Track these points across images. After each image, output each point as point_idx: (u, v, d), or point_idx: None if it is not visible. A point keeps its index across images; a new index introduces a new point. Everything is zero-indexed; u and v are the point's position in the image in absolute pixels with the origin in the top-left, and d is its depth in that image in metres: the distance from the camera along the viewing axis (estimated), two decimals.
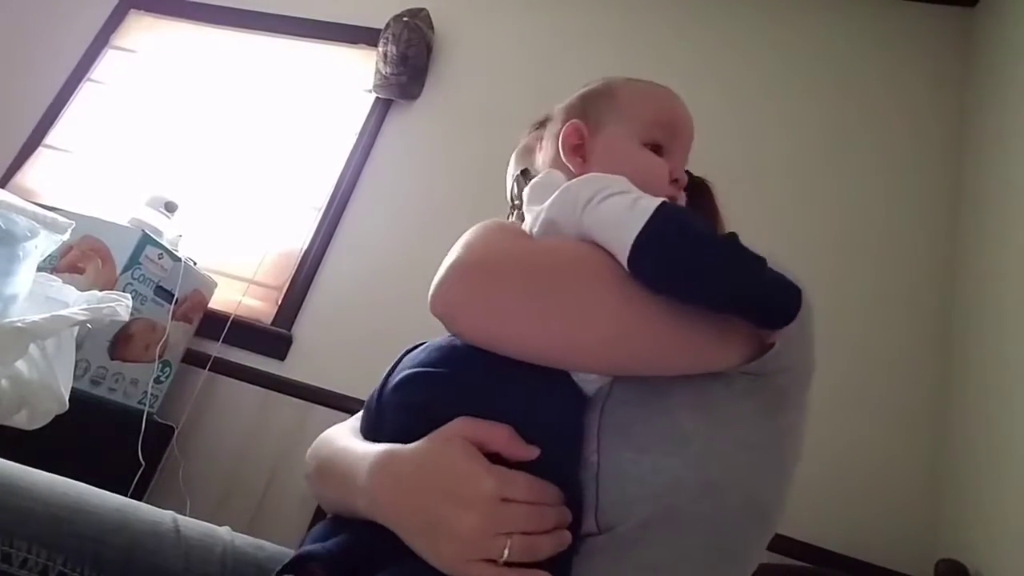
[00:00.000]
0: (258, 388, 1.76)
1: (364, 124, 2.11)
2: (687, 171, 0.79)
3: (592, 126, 0.69)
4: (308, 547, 0.53)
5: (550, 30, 2.15)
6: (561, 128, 0.70)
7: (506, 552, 0.46)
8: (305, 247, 1.96)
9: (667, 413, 0.54)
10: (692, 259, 0.49)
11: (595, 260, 0.53)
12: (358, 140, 2.08)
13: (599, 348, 0.53)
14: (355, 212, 1.99)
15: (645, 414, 0.55)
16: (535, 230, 0.61)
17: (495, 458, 0.50)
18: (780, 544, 1.40)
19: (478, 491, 0.47)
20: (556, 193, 0.59)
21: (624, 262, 0.51)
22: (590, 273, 0.53)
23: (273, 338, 1.83)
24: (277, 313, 1.89)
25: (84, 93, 2.36)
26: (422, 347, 0.60)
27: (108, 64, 2.41)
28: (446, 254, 0.58)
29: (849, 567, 1.38)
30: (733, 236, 0.51)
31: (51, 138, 2.29)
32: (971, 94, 1.76)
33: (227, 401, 1.77)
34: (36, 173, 2.23)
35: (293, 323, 1.86)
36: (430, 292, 0.54)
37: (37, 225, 1.06)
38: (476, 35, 2.19)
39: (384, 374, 0.60)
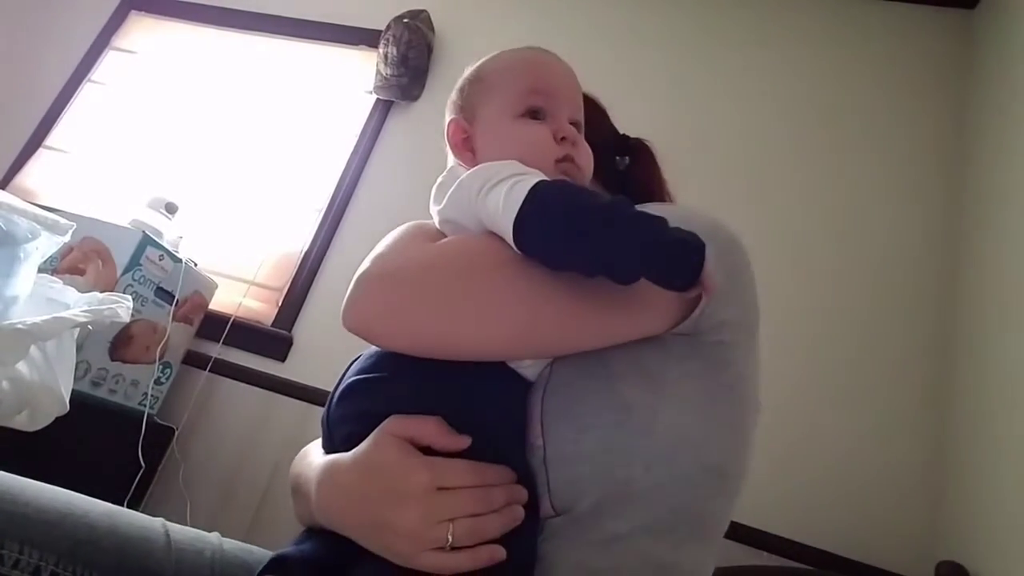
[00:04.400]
0: (258, 389, 1.76)
1: (364, 125, 2.11)
2: (624, 134, 0.79)
3: (471, 116, 0.68)
4: (283, 550, 0.54)
5: (550, 31, 2.15)
6: (445, 128, 0.70)
7: (450, 537, 0.47)
8: (306, 248, 1.96)
9: (608, 386, 0.55)
10: (571, 230, 0.49)
11: (493, 251, 0.54)
12: (358, 141, 2.08)
13: (512, 337, 0.53)
14: (356, 213, 1.99)
15: (586, 391, 0.55)
16: (442, 230, 0.62)
17: (439, 452, 0.51)
18: (780, 546, 1.40)
19: (413, 484, 0.48)
20: (450, 191, 0.59)
21: (514, 246, 0.52)
22: (490, 265, 0.53)
23: (273, 339, 1.83)
24: (278, 314, 1.89)
25: (85, 94, 2.37)
26: (364, 354, 0.60)
27: (109, 65, 2.41)
28: None
29: (849, 569, 1.38)
30: (622, 200, 0.49)
31: (52, 139, 2.29)
32: (971, 96, 1.76)
33: (227, 402, 1.77)
34: (37, 174, 2.23)
35: (293, 324, 1.86)
36: (342, 308, 0.55)
37: (38, 226, 1.06)
38: (476, 36, 2.19)
39: (333, 387, 0.61)
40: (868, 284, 1.66)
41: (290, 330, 1.85)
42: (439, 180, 0.64)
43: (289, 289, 1.92)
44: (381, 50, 2.04)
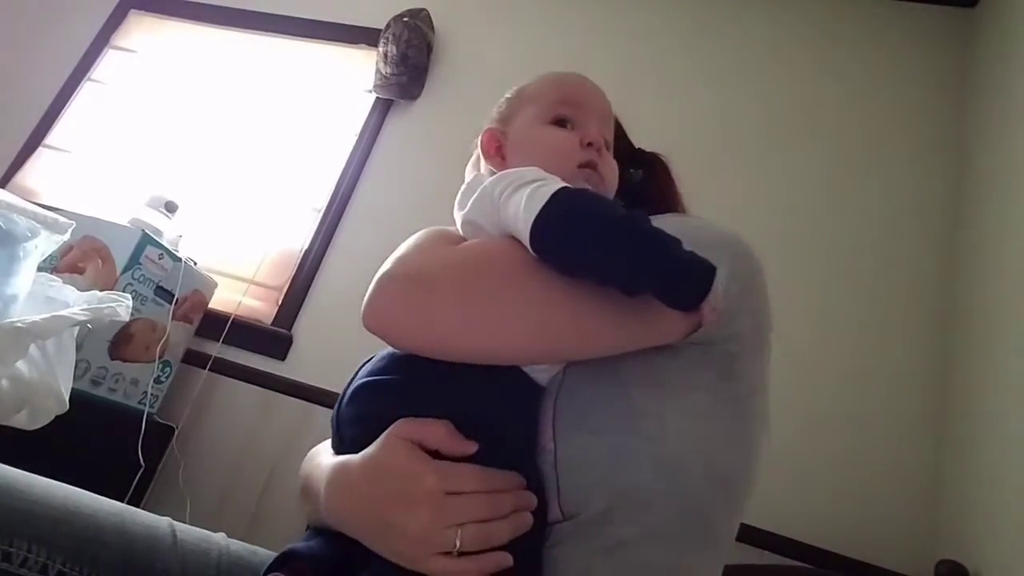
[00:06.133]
0: (258, 388, 1.76)
1: (364, 124, 2.11)
2: (640, 148, 0.81)
3: (506, 127, 0.72)
4: (292, 545, 0.55)
5: (550, 30, 2.15)
6: (480, 138, 0.73)
7: (457, 543, 0.47)
8: (305, 247, 1.96)
9: (620, 393, 0.55)
10: (586, 238, 0.50)
11: (512, 254, 0.54)
12: (358, 140, 2.08)
13: (527, 340, 0.54)
14: (355, 212, 1.99)
15: (598, 397, 0.55)
16: (463, 233, 0.63)
17: (448, 457, 0.51)
18: (780, 545, 1.40)
19: (422, 488, 0.48)
20: (475, 195, 0.60)
21: (530, 250, 0.52)
22: (508, 269, 0.54)
23: (273, 338, 1.83)
24: (277, 313, 1.89)
25: (84, 93, 2.36)
26: (376, 356, 0.61)
27: (108, 64, 2.41)
28: None
29: (849, 568, 1.38)
30: (639, 215, 0.50)
31: (51, 138, 2.29)
32: (971, 95, 1.76)
33: (227, 401, 1.76)
34: (36, 173, 2.23)
35: (293, 323, 1.86)
36: (362, 307, 0.55)
37: (37, 225, 1.06)
38: (476, 35, 2.19)
39: (344, 388, 0.61)
40: (868, 284, 1.66)
41: (290, 329, 1.85)
42: (464, 185, 0.65)
43: (289, 288, 1.92)
44: (381, 49, 2.04)
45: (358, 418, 0.57)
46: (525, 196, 0.53)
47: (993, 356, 1.34)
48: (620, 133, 0.81)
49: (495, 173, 0.64)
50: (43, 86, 2.36)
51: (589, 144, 0.67)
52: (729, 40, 2.03)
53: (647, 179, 0.78)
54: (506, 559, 0.48)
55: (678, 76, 2.01)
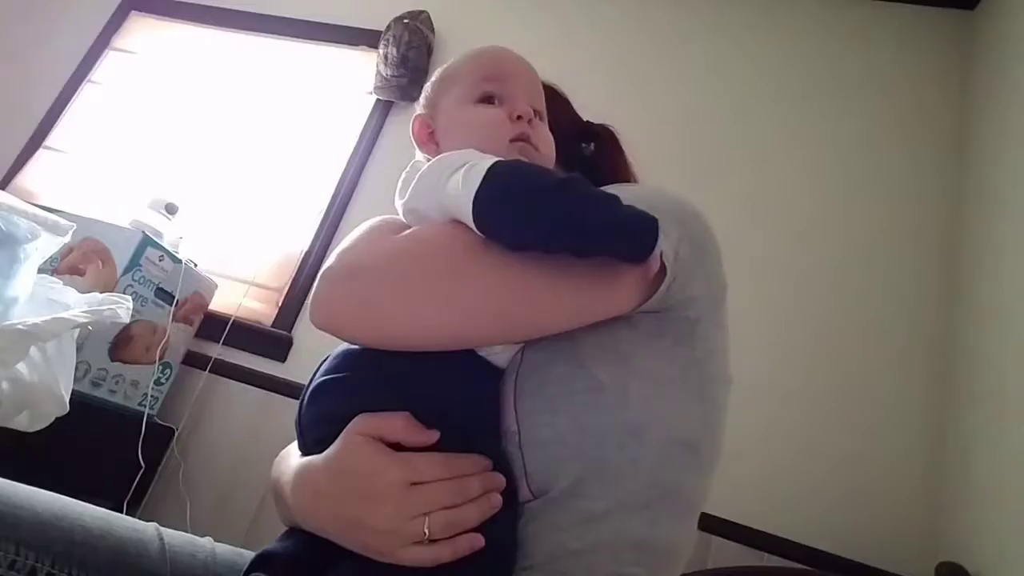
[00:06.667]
0: (259, 390, 1.76)
1: (365, 126, 2.11)
2: (588, 121, 0.80)
3: (434, 112, 0.71)
4: (268, 547, 0.55)
5: (550, 31, 2.15)
6: (410, 127, 0.72)
7: (426, 531, 0.47)
8: (306, 249, 1.96)
9: (579, 368, 0.55)
10: (528, 207, 0.49)
11: (456, 237, 0.54)
12: (359, 142, 2.08)
13: (481, 322, 0.53)
14: (356, 213, 1.99)
15: (558, 374, 0.56)
16: (407, 222, 0.62)
17: (410, 448, 0.51)
18: (780, 546, 1.40)
19: (385, 483, 0.49)
20: (412, 183, 0.60)
21: (474, 227, 0.52)
22: (454, 251, 0.53)
23: (274, 340, 1.83)
24: (278, 315, 1.89)
25: (85, 95, 2.36)
26: (331, 354, 0.60)
27: (109, 66, 2.41)
28: None
29: (849, 570, 1.38)
30: (576, 178, 0.50)
31: (52, 140, 2.29)
32: (971, 97, 1.76)
33: (227, 403, 1.76)
34: (37, 175, 2.23)
35: (294, 325, 1.86)
36: (309, 306, 0.55)
37: (38, 227, 1.06)
38: (476, 37, 2.18)
39: (303, 389, 0.61)
40: (868, 284, 1.66)
41: (290, 330, 1.85)
42: (403, 175, 0.65)
43: (289, 289, 1.92)
44: (381, 51, 2.04)
45: (318, 419, 0.57)
46: (461, 176, 0.53)
47: (993, 356, 1.34)
48: (566, 106, 0.81)
49: (430, 159, 0.64)
50: (43, 88, 2.36)
51: (519, 117, 0.65)
52: (728, 38, 2.03)
53: (597, 151, 0.78)
54: (478, 540, 0.48)
55: (676, 74, 2.01)
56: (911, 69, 1.88)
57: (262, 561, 0.54)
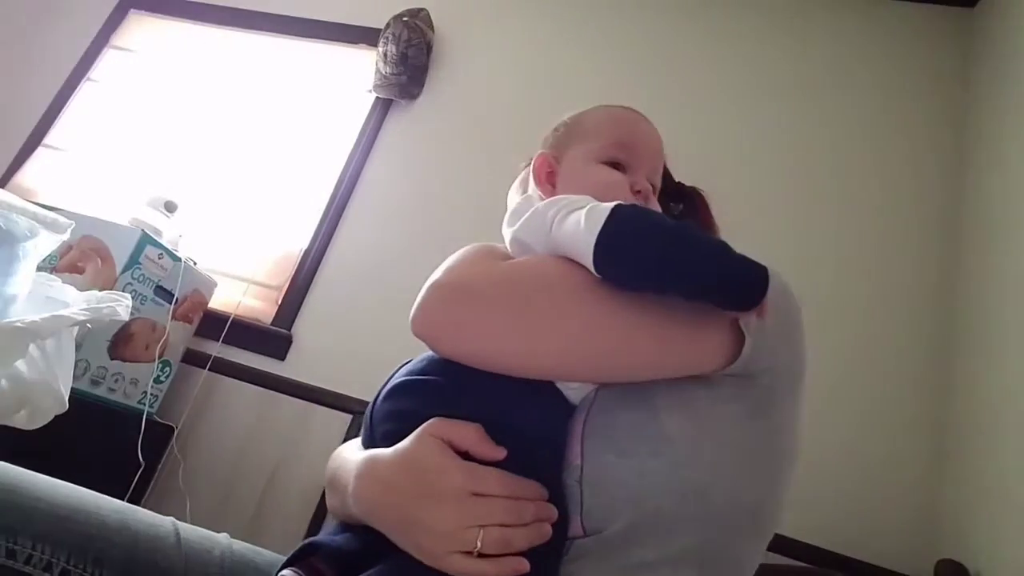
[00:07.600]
0: (258, 388, 1.76)
1: (364, 124, 2.11)
2: (680, 182, 0.82)
3: (560, 155, 0.74)
4: (316, 538, 0.55)
5: (550, 30, 2.15)
6: (533, 161, 0.75)
7: (478, 543, 0.48)
8: (305, 247, 1.96)
9: (651, 417, 0.56)
10: (649, 250, 0.51)
11: (560, 271, 0.56)
12: (358, 140, 2.08)
13: (576, 359, 0.55)
14: (355, 212, 1.99)
15: (629, 418, 0.56)
16: (511, 251, 0.64)
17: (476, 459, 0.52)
18: (780, 544, 1.40)
19: (448, 485, 0.50)
20: (525, 215, 0.62)
21: (591, 268, 0.53)
22: (554, 285, 0.55)
23: (273, 338, 1.83)
24: (277, 313, 1.89)
25: (84, 93, 2.36)
26: (416, 358, 0.62)
27: (108, 64, 2.41)
28: (446, 254, 0.61)
29: (849, 567, 1.38)
30: (689, 225, 0.53)
31: (51, 138, 2.29)
32: (971, 95, 1.76)
33: (227, 401, 1.76)
34: (36, 173, 2.23)
35: (293, 323, 1.86)
36: (411, 314, 0.56)
37: (37, 225, 1.05)
38: (476, 35, 2.19)
39: (380, 386, 0.63)
40: (868, 282, 1.66)
41: (289, 329, 1.85)
42: (513, 207, 0.68)
43: (289, 288, 1.92)
44: (380, 48, 2.04)
45: (393, 414, 0.59)
46: (584, 215, 0.55)
47: (994, 356, 1.34)
48: (663, 169, 0.83)
49: (543, 198, 0.67)
50: (43, 86, 2.36)
51: (638, 192, 0.69)
52: (729, 39, 2.03)
53: (686, 212, 0.80)
54: (523, 565, 0.48)
55: (677, 77, 2.00)
56: (911, 67, 1.87)
57: (310, 550, 0.54)
